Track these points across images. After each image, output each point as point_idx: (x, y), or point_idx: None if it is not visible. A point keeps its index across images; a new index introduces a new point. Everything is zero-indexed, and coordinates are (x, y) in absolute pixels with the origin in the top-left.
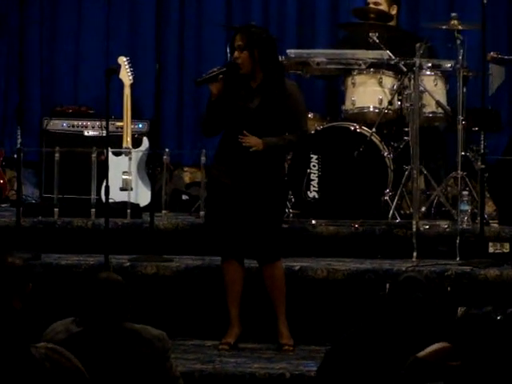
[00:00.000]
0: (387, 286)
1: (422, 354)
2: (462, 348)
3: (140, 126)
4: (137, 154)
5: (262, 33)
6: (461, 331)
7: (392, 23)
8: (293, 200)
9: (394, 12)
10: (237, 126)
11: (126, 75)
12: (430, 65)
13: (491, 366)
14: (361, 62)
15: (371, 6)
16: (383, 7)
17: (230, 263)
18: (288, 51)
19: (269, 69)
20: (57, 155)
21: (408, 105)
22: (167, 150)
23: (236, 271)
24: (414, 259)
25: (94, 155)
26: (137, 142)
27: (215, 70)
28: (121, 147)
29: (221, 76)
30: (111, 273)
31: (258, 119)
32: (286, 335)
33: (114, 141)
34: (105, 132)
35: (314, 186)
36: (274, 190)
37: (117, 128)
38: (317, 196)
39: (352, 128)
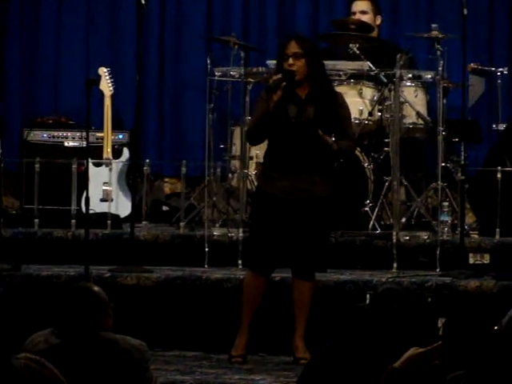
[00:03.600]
0: (367, 296)
1: (397, 363)
2: (450, 355)
3: (120, 136)
4: (117, 164)
5: (312, 41)
6: (450, 339)
7: (374, 34)
8: None
9: (378, 22)
10: (289, 137)
11: (106, 86)
12: (410, 76)
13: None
14: (341, 72)
15: (357, 14)
16: (369, 16)
17: (256, 278)
18: (268, 62)
19: (319, 78)
20: (37, 166)
21: (388, 116)
22: (147, 160)
23: (259, 286)
24: (394, 270)
25: (74, 166)
26: (117, 153)
27: (277, 77)
28: (101, 158)
29: (284, 84)
30: (88, 282)
31: (314, 130)
32: (303, 349)
33: (94, 151)
34: (85, 143)
35: None
36: (324, 203)
37: (97, 139)
38: None
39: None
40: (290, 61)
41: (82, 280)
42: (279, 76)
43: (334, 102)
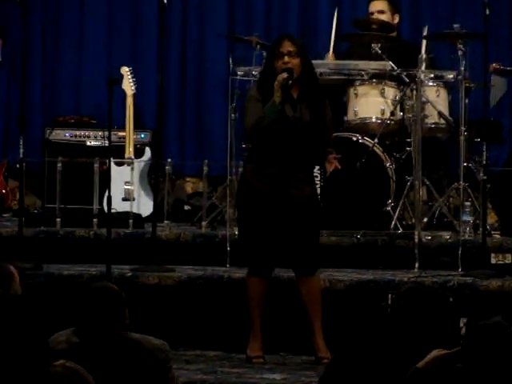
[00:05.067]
0: (389, 296)
1: (421, 364)
2: (471, 358)
3: (142, 136)
4: (139, 164)
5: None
6: (470, 342)
7: (393, 34)
8: None
9: (396, 21)
10: (287, 136)
11: (128, 85)
12: (432, 76)
13: (500, 376)
14: (363, 72)
15: (375, 14)
16: (387, 15)
17: (256, 279)
18: None
19: (311, 78)
20: (59, 165)
21: (410, 116)
22: (169, 160)
23: (260, 286)
24: (415, 270)
25: (96, 165)
26: (139, 152)
27: (284, 75)
28: (123, 157)
29: (290, 82)
30: (106, 282)
31: (310, 131)
32: (324, 348)
33: (116, 151)
34: (107, 142)
35: None
36: (315, 201)
37: (119, 138)
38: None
39: (354, 138)
40: (286, 59)
41: (103, 279)
42: (286, 74)
43: (323, 104)
